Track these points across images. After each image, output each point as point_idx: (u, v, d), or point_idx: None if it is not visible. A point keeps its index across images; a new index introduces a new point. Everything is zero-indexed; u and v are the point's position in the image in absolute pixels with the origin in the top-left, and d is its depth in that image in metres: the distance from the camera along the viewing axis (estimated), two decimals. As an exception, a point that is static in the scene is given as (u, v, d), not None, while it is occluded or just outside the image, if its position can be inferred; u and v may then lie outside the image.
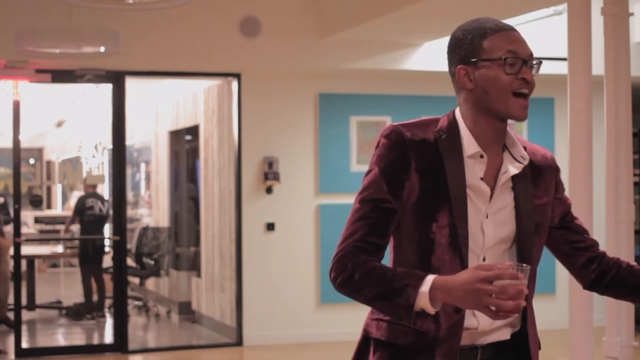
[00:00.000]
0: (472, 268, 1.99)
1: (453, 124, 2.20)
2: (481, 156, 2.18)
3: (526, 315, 2.24)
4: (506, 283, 1.94)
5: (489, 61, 2.14)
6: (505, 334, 2.23)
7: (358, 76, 8.58)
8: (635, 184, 8.49)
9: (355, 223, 2.15)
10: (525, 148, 2.25)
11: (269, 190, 8.45)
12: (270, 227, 8.46)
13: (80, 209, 10.16)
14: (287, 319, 8.48)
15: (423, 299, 2.02)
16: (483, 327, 2.19)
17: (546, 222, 2.27)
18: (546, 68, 10.28)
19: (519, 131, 8.82)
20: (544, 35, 8.37)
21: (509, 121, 2.21)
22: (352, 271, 2.10)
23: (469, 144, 2.17)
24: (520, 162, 2.21)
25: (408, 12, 6.66)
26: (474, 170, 2.18)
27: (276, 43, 7.97)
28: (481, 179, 2.18)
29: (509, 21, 7.53)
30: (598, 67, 4.61)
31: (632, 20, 4.72)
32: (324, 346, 8.28)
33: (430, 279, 2.03)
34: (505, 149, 2.23)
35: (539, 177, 2.27)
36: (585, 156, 4.43)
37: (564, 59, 4.70)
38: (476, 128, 2.19)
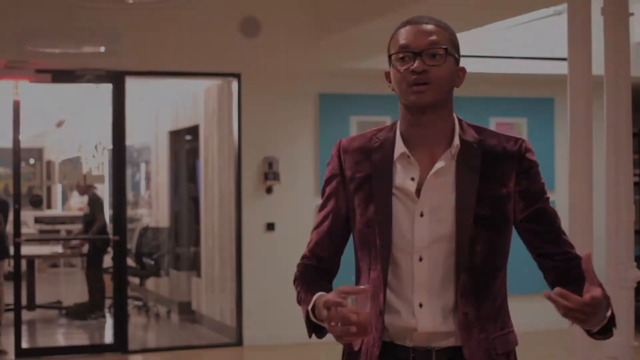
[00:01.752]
0: (333, 291, 2.05)
1: (391, 129, 2.25)
2: (408, 157, 2.19)
3: (466, 326, 2.15)
4: (343, 310, 1.98)
5: (389, 60, 2.20)
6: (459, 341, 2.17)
7: (358, 76, 8.58)
8: (635, 184, 8.48)
9: (311, 233, 2.37)
10: (479, 140, 2.19)
11: (269, 190, 8.45)
12: (270, 227, 8.46)
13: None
14: (287, 319, 8.47)
15: (310, 315, 2.15)
16: (423, 328, 2.15)
17: (501, 214, 2.17)
18: (546, 68, 10.24)
19: (518, 131, 8.82)
20: (544, 35, 8.37)
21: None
22: (294, 280, 2.32)
23: (398, 147, 2.20)
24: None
25: (408, 12, 6.66)
26: (405, 172, 2.19)
27: (276, 43, 7.97)
28: (412, 179, 2.17)
29: (509, 21, 7.57)
30: (598, 67, 4.61)
31: (632, 20, 4.72)
32: (324, 346, 8.27)
33: (315, 297, 2.15)
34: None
35: (493, 166, 2.18)
36: (585, 156, 4.43)
37: (564, 59, 4.70)
38: (404, 129, 2.22)
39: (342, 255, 2.34)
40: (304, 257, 2.35)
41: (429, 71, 2.13)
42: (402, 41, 2.17)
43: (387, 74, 2.23)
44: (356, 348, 2.23)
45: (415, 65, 2.13)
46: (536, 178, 2.22)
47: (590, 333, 2.09)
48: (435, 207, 2.15)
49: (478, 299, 2.15)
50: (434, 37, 2.16)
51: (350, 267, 2.36)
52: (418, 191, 2.17)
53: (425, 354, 2.17)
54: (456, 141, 2.18)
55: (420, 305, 2.15)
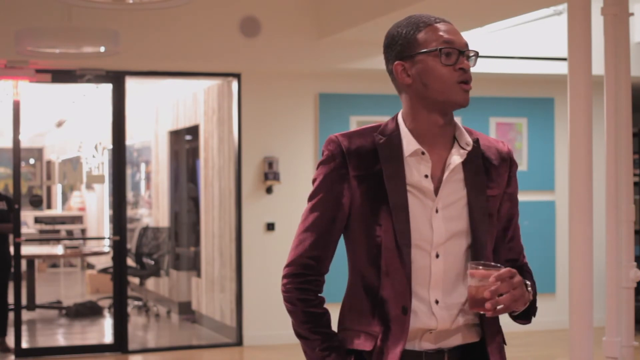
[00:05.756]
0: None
1: (394, 126, 2.21)
2: (422, 153, 2.16)
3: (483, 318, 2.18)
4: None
5: (424, 54, 2.14)
6: (472, 336, 2.19)
7: (358, 76, 8.58)
8: (635, 184, 8.48)
9: (302, 233, 2.23)
10: (477, 140, 2.22)
11: (269, 190, 8.45)
12: (270, 227, 8.46)
13: None
14: (287, 319, 8.41)
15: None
16: (442, 326, 2.15)
17: (497, 213, 2.23)
18: (546, 68, 10.27)
19: (519, 132, 8.82)
20: (544, 35, 8.37)
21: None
22: (294, 309, 2.34)
23: (409, 143, 2.17)
24: (465, 149, 2.18)
25: (408, 12, 6.64)
26: (418, 169, 2.17)
27: (276, 43, 7.97)
28: (426, 176, 2.16)
29: (509, 21, 7.57)
30: (598, 67, 4.61)
31: (632, 20, 4.72)
32: (324, 346, 8.27)
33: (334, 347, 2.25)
34: (456, 142, 2.20)
35: (492, 168, 2.22)
36: (585, 156, 4.42)
37: (564, 59, 4.71)
38: (417, 126, 2.18)
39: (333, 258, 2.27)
40: (295, 263, 2.22)
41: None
42: (446, 36, 2.14)
43: (400, 67, 2.17)
44: (369, 348, 2.19)
45: (464, 64, 2.13)
46: (516, 181, 2.29)
47: (513, 316, 2.21)
48: (449, 204, 2.16)
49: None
50: (465, 40, 2.19)
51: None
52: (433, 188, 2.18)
53: (437, 356, 2.17)
54: (468, 139, 2.19)
55: (437, 302, 2.15)
